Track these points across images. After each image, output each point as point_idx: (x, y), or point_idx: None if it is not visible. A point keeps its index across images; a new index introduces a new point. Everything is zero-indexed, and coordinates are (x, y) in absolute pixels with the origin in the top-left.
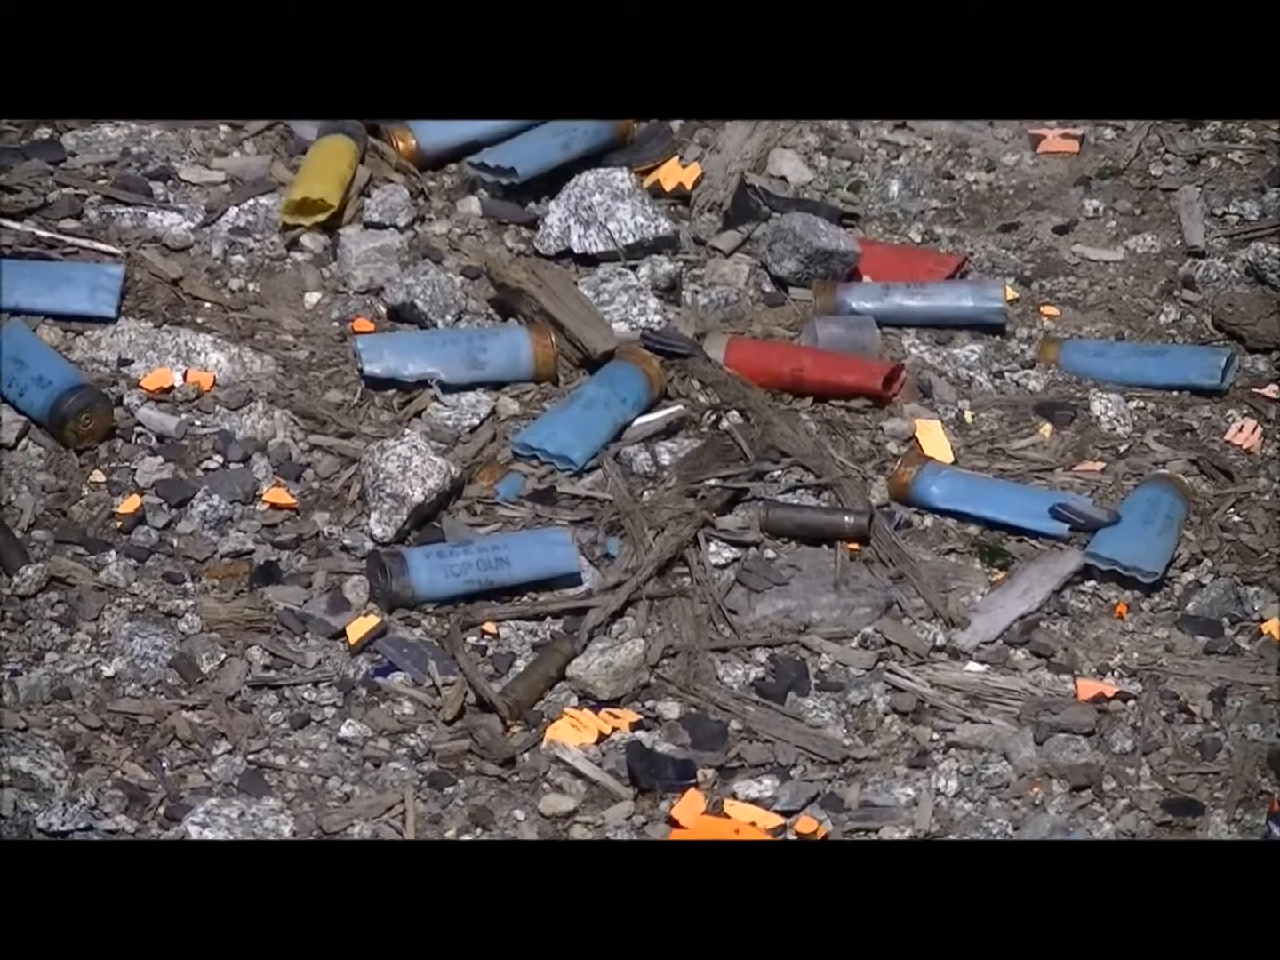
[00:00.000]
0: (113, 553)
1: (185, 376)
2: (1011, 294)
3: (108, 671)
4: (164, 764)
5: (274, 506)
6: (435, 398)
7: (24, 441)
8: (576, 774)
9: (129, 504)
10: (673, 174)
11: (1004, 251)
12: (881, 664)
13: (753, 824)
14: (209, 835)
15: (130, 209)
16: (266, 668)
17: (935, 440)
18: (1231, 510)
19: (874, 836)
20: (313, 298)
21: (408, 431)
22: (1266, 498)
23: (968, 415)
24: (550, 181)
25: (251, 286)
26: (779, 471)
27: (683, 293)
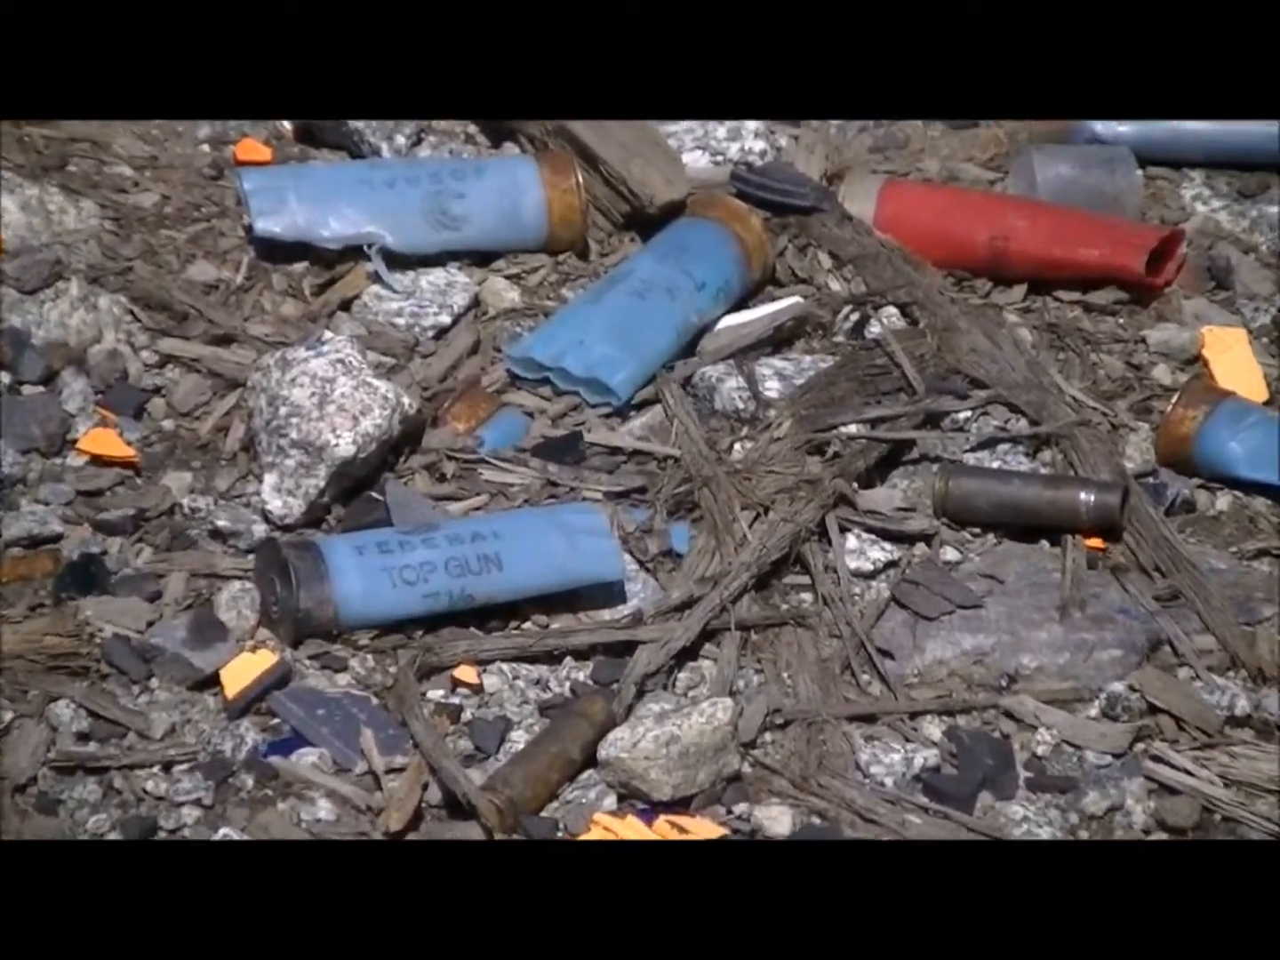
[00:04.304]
0: None
1: None
2: None
3: None
4: None
5: (97, 460)
6: (376, 277)
7: None
8: None
9: None
10: None
11: None
12: (1141, 745)
13: None
14: None
15: None
16: (82, 736)
17: (1236, 362)
18: None
19: None
20: None
21: (328, 334)
22: None
23: None
24: None
25: None
26: (966, 413)
27: None
